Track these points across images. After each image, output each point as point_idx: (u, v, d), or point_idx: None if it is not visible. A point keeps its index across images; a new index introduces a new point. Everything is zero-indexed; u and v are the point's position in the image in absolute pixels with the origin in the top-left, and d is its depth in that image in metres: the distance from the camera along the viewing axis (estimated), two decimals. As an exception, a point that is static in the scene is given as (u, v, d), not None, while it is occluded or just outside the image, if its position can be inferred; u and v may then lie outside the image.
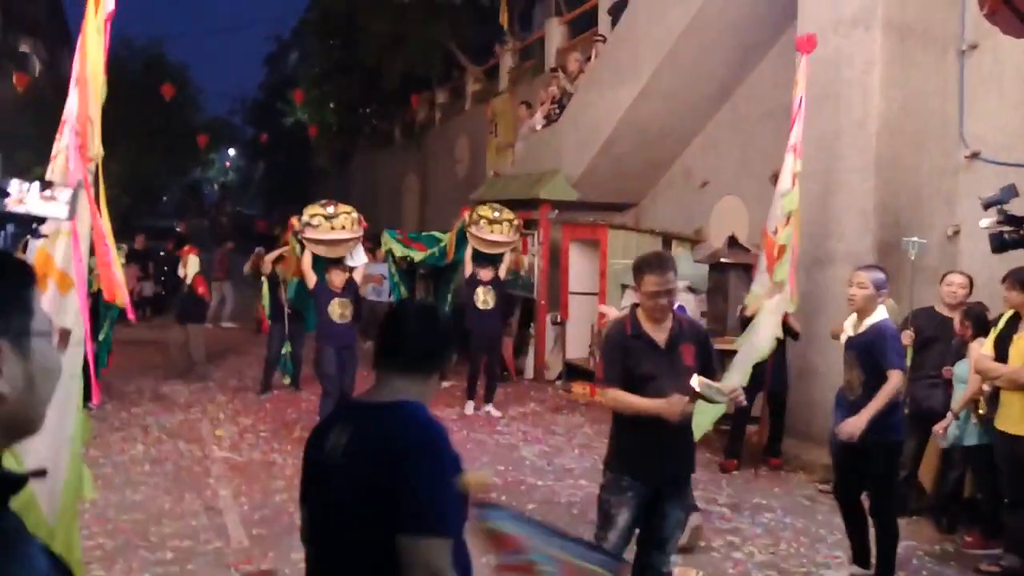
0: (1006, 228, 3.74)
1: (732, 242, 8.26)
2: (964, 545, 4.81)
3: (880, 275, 4.16)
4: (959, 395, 4.84)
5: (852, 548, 4.29)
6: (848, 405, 4.13)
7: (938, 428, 4.89)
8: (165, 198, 39.78)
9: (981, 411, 4.63)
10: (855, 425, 3.88)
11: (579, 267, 10.27)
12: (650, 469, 3.29)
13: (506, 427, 7.72)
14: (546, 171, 10.81)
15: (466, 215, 8.97)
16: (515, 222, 9.02)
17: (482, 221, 8.78)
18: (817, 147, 6.51)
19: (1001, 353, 4.35)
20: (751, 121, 8.86)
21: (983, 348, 4.51)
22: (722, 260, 8.15)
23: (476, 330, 8.46)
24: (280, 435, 7.20)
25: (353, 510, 1.73)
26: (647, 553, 3.36)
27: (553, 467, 6.38)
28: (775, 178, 6.70)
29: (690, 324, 3.45)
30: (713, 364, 3.43)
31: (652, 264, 3.30)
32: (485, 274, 8.52)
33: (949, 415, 4.83)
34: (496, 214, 8.87)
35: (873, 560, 4.18)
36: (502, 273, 8.79)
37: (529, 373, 10.62)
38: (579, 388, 9.63)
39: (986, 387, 4.55)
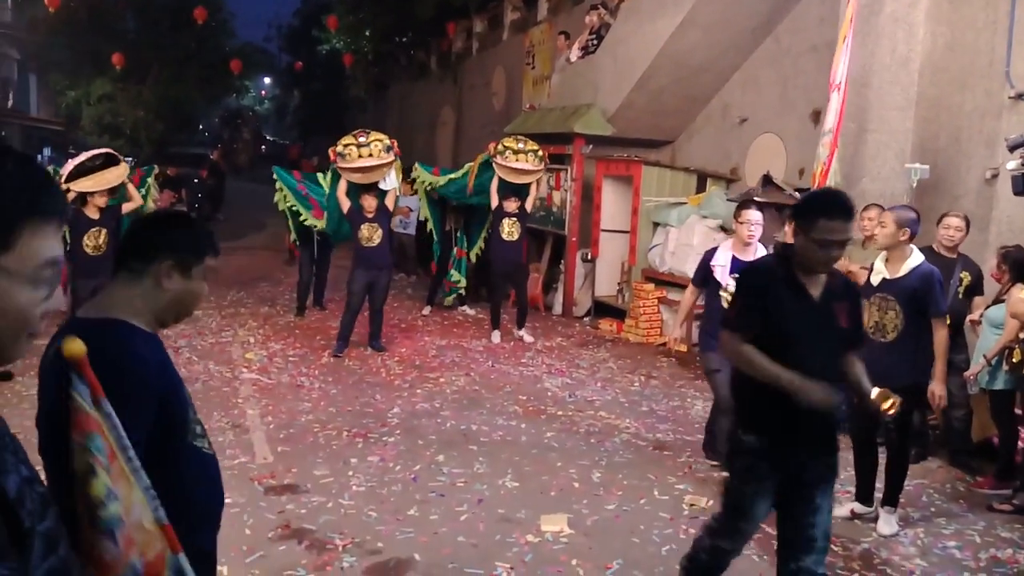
0: (1032, 171, 3.63)
1: (767, 181, 8.11)
2: (975, 485, 4.84)
3: (907, 214, 4.09)
4: (991, 340, 4.78)
5: (857, 485, 4.36)
6: (881, 348, 4.07)
7: (969, 374, 4.87)
8: (202, 126, 39.92)
9: (1016, 359, 4.57)
10: (941, 391, 4.08)
11: (611, 204, 10.19)
12: (796, 453, 2.74)
13: (531, 360, 7.83)
14: (581, 105, 10.64)
15: (491, 147, 9.09)
16: (540, 152, 9.13)
17: (507, 151, 8.91)
18: (857, 84, 6.32)
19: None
20: (793, 56, 8.58)
21: (1022, 291, 4.44)
22: (756, 199, 8.03)
23: (497, 260, 8.67)
24: (308, 359, 7.41)
25: (43, 422, 1.68)
26: (793, 554, 2.77)
27: (574, 398, 6.50)
28: (816, 116, 6.56)
29: (843, 278, 2.88)
30: (862, 330, 2.99)
31: (833, 207, 2.65)
32: (511, 205, 8.60)
33: (982, 360, 4.79)
34: (521, 144, 9.01)
35: (878, 495, 4.28)
36: (528, 205, 8.85)
37: (558, 309, 10.69)
38: (606, 325, 9.69)
39: (1023, 334, 4.51)
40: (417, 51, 22.21)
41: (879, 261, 4.26)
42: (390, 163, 8.03)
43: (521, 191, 8.89)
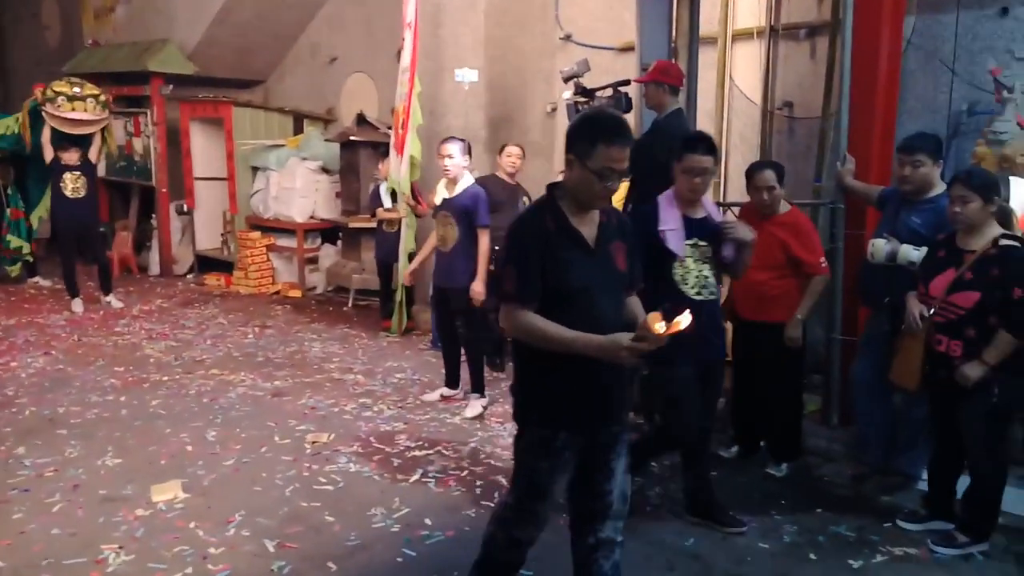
0: (580, 99, 4.19)
1: (361, 120, 8.25)
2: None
3: (463, 144, 4.87)
4: None
5: (446, 373, 5.19)
6: (443, 256, 4.89)
7: None
8: None
9: None
10: (480, 288, 4.77)
11: (203, 149, 9.52)
12: (591, 418, 2.40)
13: (127, 327, 7.04)
14: (155, 40, 9.62)
15: (38, 92, 7.88)
16: (102, 97, 8.17)
17: (59, 98, 7.83)
18: (431, 24, 6.65)
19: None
20: (374, -5, 8.73)
21: None
22: (352, 138, 8.13)
23: (65, 221, 7.58)
24: None
25: None
26: (591, 526, 2.47)
27: (181, 361, 6.02)
28: (400, 54, 6.77)
29: (617, 215, 2.51)
30: (638, 270, 2.53)
31: (611, 130, 2.26)
32: (70, 157, 7.54)
33: None
34: (77, 89, 7.97)
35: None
36: (93, 156, 7.85)
37: (155, 269, 9.77)
38: (213, 279, 9.13)
39: None
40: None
41: (440, 186, 4.94)
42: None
43: (82, 140, 7.85)
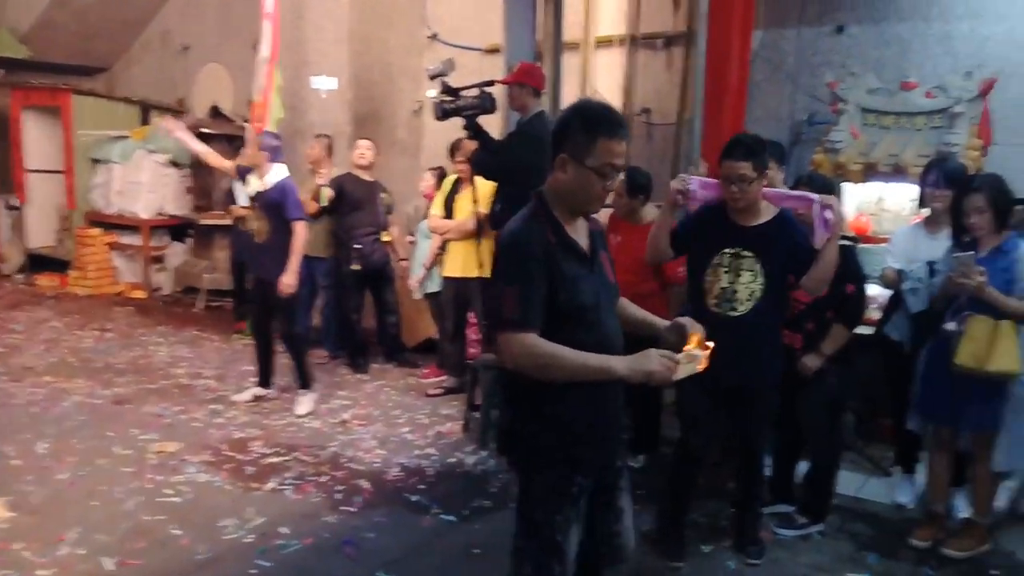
0: (446, 98, 4.14)
1: (215, 112, 7.86)
2: (422, 377, 5.56)
3: (270, 141, 4.79)
4: (424, 249, 5.43)
5: (260, 372, 4.97)
6: (257, 247, 4.78)
7: (413, 283, 5.48)
8: None
9: (443, 263, 5.26)
10: (290, 280, 4.60)
11: (37, 140, 8.77)
12: (605, 454, 2.14)
13: (-58, 331, 6.36)
14: (-18, 20, 8.78)
15: None
16: None
17: None
18: (293, 16, 6.42)
19: (448, 212, 5.03)
20: (231, -17, 8.35)
21: (433, 208, 5.14)
22: (204, 131, 7.71)
23: None
24: None
25: None
26: (601, 569, 2.24)
27: (8, 368, 5.48)
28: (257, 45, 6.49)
29: (598, 224, 2.24)
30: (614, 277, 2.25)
31: (610, 121, 1.98)
32: None
33: (422, 270, 5.42)
34: None
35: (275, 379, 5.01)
36: None
37: (-22, 268, 8.88)
38: (46, 280, 8.39)
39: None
40: None
41: (253, 179, 4.80)
42: None
43: None
